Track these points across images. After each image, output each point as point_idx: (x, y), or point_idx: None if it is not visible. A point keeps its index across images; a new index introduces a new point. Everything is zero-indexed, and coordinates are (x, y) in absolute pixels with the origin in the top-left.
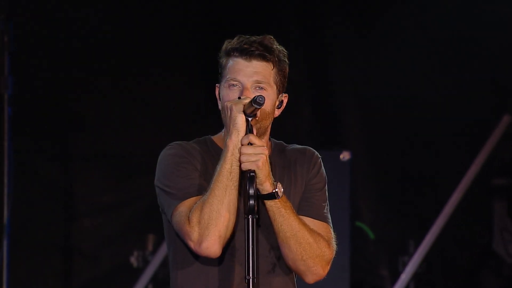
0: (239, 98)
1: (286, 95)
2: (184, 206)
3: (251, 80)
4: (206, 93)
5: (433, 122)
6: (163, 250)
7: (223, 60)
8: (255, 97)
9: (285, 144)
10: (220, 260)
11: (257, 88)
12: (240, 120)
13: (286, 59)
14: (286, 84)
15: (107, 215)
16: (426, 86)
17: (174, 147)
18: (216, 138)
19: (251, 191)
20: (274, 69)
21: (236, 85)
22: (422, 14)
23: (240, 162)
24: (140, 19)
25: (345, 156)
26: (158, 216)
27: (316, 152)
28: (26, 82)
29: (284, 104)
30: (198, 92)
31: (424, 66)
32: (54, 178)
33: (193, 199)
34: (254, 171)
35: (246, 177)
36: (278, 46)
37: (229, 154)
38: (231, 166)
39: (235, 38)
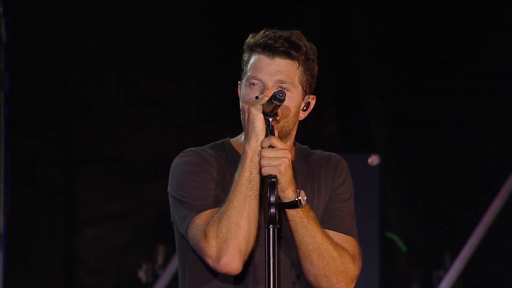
0: (256, 97)
1: (314, 96)
2: (200, 219)
3: (273, 79)
4: (221, 91)
5: (470, 124)
6: (174, 263)
7: (245, 56)
8: (274, 92)
9: (310, 150)
10: (237, 278)
11: (279, 88)
12: (260, 124)
13: (315, 58)
14: (315, 85)
15: (113, 225)
16: (461, 87)
17: (189, 154)
18: (235, 142)
19: (272, 199)
20: (300, 68)
21: (257, 84)
22: (454, 10)
23: (260, 167)
24: (148, 11)
25: (374, 160)
26: (169, 226)
27: (342, 159)
28: (24, 79)
29: (312, 107)
30: (212, 90)
31: (458, 66)
32: (54, 184)
33: (210, 211)
34: (275, 177)
35: (267, 183)
36: (307, 43)
37: (247, 161)
38: (251, 174)
39: (260, 32)
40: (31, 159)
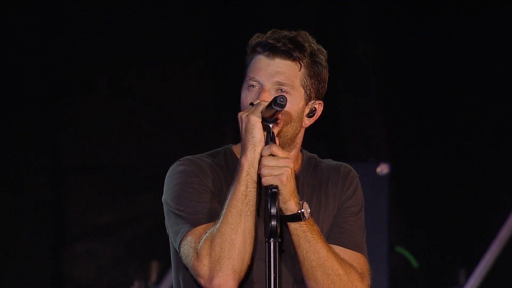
0: (251, 104)
1: (321, 102)
2: (193, 235)
3: (271, 81)
4: (219, 96)
5: (486, 134)
6: (168, 280)
7: (247, 57)
8: (275, 97)
9: (319, 158)
10: None
11: (278, 90)
12: (258, 134)
13: (323, 61)
14: (324, 90)
15: (104, 238)
16: (477, 92)
17: (185, 163)
18: (236, 148)
19: (273, 210)
20: (302, 70)
21: (255, 85)
22: (465, 12)
23: (261, 176)
24: (144, 14)
25: (383, 169)
26: (163, 240)
27: (352, 169)
28: (7, 83)
29: (319, 113)
30: (212, 94)
31: (474, 72)
32: (41, 194)
33: (203, 226)
34: (276, 187)
35: (267, 194)
36: (314, 45)
37: (243, 174)
38: (247, 188)
39: (268, 32)
40: (16, 168)
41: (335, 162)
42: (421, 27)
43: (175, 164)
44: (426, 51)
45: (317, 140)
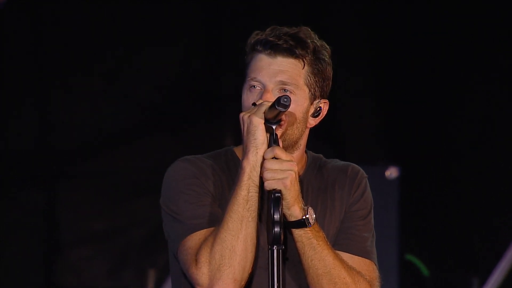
0: (254, 104)
1: (326, 101)
2: (192, 241)
3: (274, 81)
4: (217, 99)
5: (500, 137)
6: None
7: (247, 56)
8: (278, 97)
9: (324, 159)
10: None
11: (282, 90)
12: (261, 135)
13: (327, 58)
14: (329, 88)
15: (98, 246)
16: (486, 97)
17: (184, 164)
18: (238, 150)
19: (276, 216)
20: (306, 68)
21: (257, 86)
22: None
23: (263, 180)
24: (137, 11)
25: (392, 172)
26: (161, 247)
27: (361, 170)
28: None
29: (324, 112)
30: (207, 97)
31: (475, 72)
32: (33, 201)
33: (203, 232)
34: (280, 192)
35: (270, 199)
36: (317, 41)
37: (245, 178)
38: (248, 193)
39: (267, 29)
40: (7, 174)
41: (342, 163)
42: (424, 24)
43: (174, 163)
44: (428, 49)
45: (318, 141)
